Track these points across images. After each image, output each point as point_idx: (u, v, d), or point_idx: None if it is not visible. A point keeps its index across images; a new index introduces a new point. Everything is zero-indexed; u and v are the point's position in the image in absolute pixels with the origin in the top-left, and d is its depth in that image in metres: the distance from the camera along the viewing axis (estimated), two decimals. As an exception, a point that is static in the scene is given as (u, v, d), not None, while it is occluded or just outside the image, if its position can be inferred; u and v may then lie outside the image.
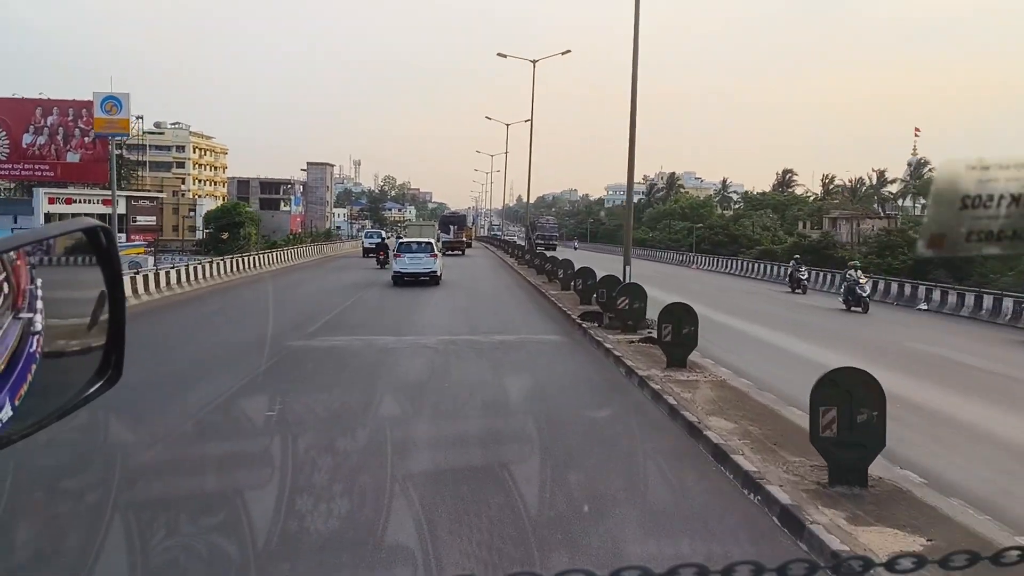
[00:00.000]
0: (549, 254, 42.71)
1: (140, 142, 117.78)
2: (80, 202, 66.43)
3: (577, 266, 27.52)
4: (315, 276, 38.52)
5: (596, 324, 19.30)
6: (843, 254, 49.36)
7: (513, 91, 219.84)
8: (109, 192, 70.80)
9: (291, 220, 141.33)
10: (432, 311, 23.42)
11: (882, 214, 72.42)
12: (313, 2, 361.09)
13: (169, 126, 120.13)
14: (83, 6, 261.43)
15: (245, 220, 78.84)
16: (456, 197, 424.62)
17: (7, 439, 1.27)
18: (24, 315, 1.28)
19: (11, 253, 1.27)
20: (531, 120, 57.21)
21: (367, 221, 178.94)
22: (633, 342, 16.55)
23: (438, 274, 31.75)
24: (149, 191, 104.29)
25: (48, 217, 60.86)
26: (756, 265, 52.78)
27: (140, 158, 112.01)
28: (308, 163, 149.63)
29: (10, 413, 1.26)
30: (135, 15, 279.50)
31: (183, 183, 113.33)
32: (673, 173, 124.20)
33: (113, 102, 42.94)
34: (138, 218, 69.20)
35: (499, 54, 51.98)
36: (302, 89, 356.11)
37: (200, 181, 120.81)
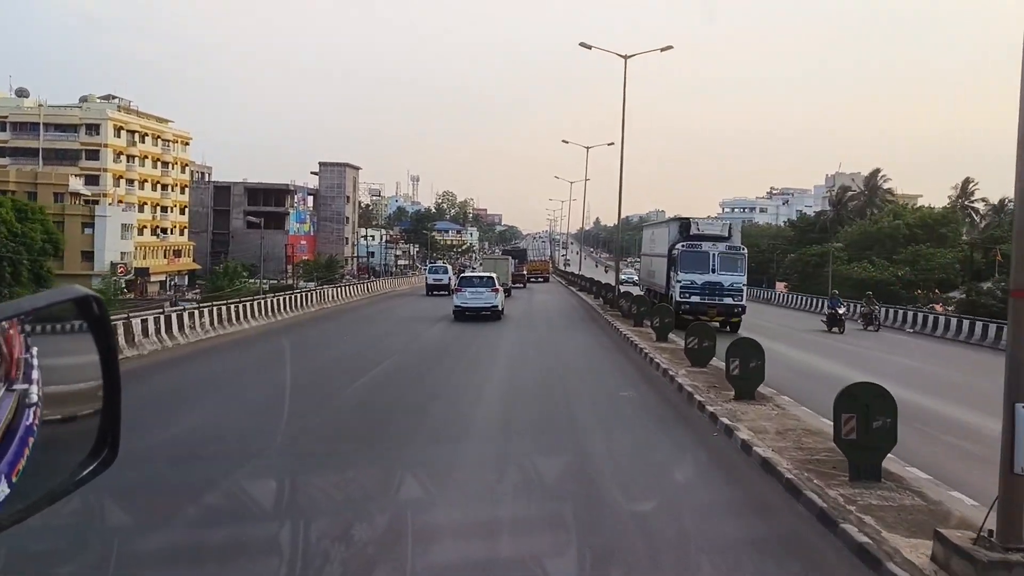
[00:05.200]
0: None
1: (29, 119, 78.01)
2: None
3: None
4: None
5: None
6: None
7: (595, 108, 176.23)
8: None
9: (290, 243, 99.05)
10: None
11: None
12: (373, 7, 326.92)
13: (98, 100, 79.23)
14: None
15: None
16: (528, 220, 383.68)
17: (1, 523, 1.19)
18: (19, 386, 1.22)
19: (2, 323, 1.21)
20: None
21: (410, 246, 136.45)
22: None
23: (499, 309, 31.32)
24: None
25: None
26: None
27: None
28: (321, 164, 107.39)
29: (6, 491, 1.18)
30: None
31: (90, 183, 71.65)
32: (876, 171, 77.17)
33: None
34: None
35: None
36: (359, 100, 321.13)
37: (142, 183, 79.16)
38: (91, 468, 1.36)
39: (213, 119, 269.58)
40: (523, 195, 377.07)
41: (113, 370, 1.38)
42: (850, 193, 78.62)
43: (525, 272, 66.03)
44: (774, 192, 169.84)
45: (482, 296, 30.82)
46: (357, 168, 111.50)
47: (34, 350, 1.24)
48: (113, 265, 64.37)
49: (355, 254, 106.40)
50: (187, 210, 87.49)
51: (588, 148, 63.04)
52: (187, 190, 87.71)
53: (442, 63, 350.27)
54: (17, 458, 1.19)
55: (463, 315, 30.48)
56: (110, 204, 68.65)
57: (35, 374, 1.24)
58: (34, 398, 1.23)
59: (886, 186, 77.39)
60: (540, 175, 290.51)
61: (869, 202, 76.10)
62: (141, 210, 78.31)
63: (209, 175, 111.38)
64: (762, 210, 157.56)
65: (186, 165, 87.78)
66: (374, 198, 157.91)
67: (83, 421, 1.36)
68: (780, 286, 72.56)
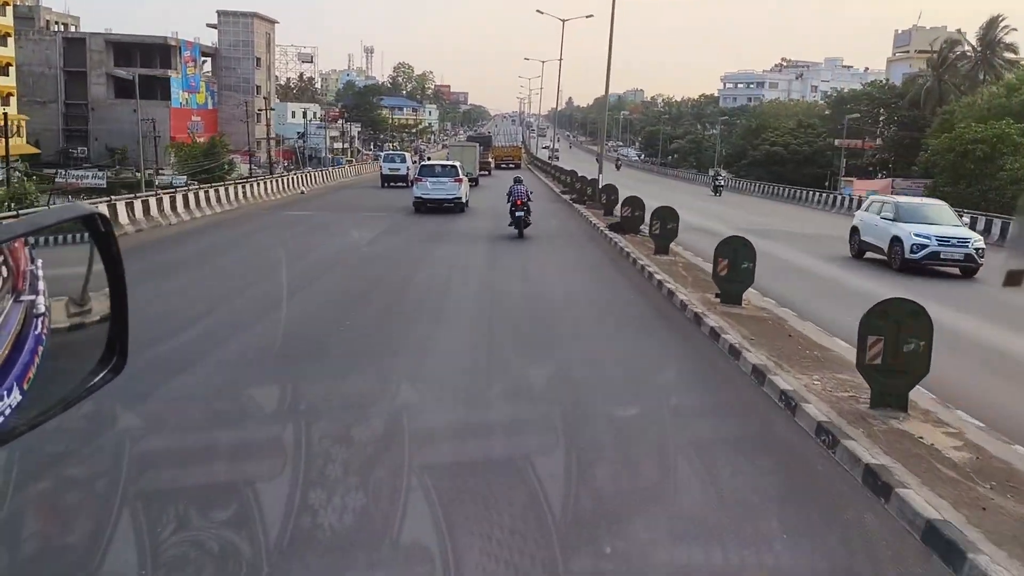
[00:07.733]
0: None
1: None
2: None
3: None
4: None
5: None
6: None
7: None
8: None
9: (173, 120, 74.28)
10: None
11: None
12: None
13: None
14: None
15: None
16: (497, 99, 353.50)
17: (15, 430, 1.23)
18: (26, 297, 1.25)
19: (9, 240, 1.24)
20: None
21: (351, 125, 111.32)
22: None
23: (463, 200, 29.71)
24: None
25: None
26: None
27: None
28: (219, 12, 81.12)
29: (19, 398, 1.22)
30: None
31: None
32: (996, 19, 53.50)
33: None
34: None
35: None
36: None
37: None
38: (101, 375, 1.40)
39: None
40: (491, 72, 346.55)
41: (119, 282, 1.42)
42: (958, 51, 55.13)
43: (491, 159, 63.35)
44: (785, 64, 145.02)
45: (444, 187, 29.18)
46: (272, 21, 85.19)
47: (39, 262, 1.27)
48: None
49: (270, 135, 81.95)
50: (14, 69, 62.10)
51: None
52: (11, 40, 61.91)
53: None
54: (27, 367, 1.22)
55: (424, 207, 28.67)
56: None
57: (41, 285, 1.26)
58: (42, 308, 1.25)
59: (1008, 39, 54.08)
60: (510, 51, 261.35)
61: (984, 63, 53.06)
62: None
63: (76, 28, 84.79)
64: (772, 85, 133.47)
65: (6, 3, 61.60)
66: (305, 64, 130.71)
67: (92, 330, 1.40)
68: (858, 185, 50.20)
